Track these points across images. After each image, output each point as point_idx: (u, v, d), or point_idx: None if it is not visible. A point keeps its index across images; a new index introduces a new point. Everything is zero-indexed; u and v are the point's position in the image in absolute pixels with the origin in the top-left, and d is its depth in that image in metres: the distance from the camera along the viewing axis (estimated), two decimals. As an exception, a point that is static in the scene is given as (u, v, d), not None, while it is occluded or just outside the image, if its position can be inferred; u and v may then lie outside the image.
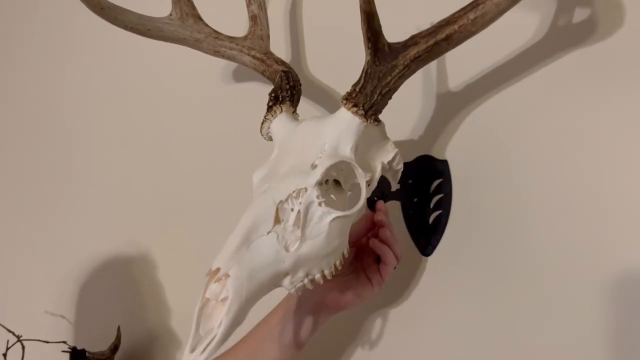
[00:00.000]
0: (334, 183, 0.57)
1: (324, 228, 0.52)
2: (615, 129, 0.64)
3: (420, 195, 0.74)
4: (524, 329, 0.67)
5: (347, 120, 0.55)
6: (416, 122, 0.76)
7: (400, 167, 0.62)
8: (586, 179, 0.65)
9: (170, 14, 0.73)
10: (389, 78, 0.55)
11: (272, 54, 0.72)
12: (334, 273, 0.54)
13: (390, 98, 0.56)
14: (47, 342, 0.86)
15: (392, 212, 0.76)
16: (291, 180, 0.53)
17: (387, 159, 0.59)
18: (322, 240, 0.52)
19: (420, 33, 0.55)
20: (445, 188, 0.73)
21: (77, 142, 1.11)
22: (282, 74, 0.63)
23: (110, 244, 1.02)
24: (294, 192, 0.52)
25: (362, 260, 0.66)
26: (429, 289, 0.74)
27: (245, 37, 0.75)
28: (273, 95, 0.62)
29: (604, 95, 0.64)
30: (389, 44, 0.55)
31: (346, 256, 0.55)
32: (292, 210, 0.52)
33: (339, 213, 0.52)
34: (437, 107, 0.75)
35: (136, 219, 1.01)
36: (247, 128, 0.76)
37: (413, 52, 0.55)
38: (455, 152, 0.74)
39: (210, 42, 0.74)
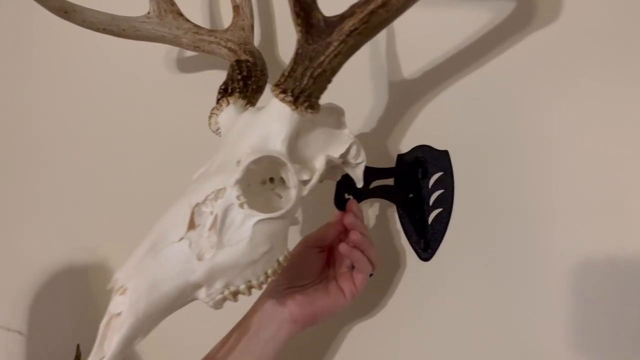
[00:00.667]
0: (281, 181, 0.51)
1: (246, 233, 0.46)
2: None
3: (416, 192, 0.65)
4: (538, 341, 0.57)
5: (277, 110, 0.49)
6: (412, 108, 0.67)
7: (361, 160, 0.54)
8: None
9: (148, 12, 0.71)
10: (322, 57, 0.47)
11: (248, 44, 0.67)
12: (265, 283, 0.48)
13: (328, 81, 0.49)
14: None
15: (385, 211, 0.67)
16: (213, 180, 0.48)
17: (337, 151, 0.52)
18: (243, 247, 0.46)
19: (358, 2, 0.47)
20: (447, 183, 0.63)
21: (20, 144, 1.00)
22: (234, 63, 0.58)
23: (63, 253, 0.92)
24: (212, 193, 0.47)
25: (334, 267, 0.58)
26: (428, 299, 0.64)
27: (226, 29, 0.71)
28: (222, 87, 0.57)
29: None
30: (325, 19, 0.48)
31: (284, 264, 0.49)
32: (212, 213, 0.47)
33: (263, 216, 0.46)
34: (435, 90, 0.65)
35: (91, 223, 0.90)
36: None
37: (349, 24, 0.47)
38: (457, 141, 0.63)
39: (190, 37, 0.70)
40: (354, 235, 0.55)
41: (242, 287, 0.47)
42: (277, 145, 0.48)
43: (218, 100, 0.56)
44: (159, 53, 0.86)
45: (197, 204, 0.47)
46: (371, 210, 0.68)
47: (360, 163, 0.54)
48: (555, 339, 0.56)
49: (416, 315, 0.65)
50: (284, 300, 0.55)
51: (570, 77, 0.57)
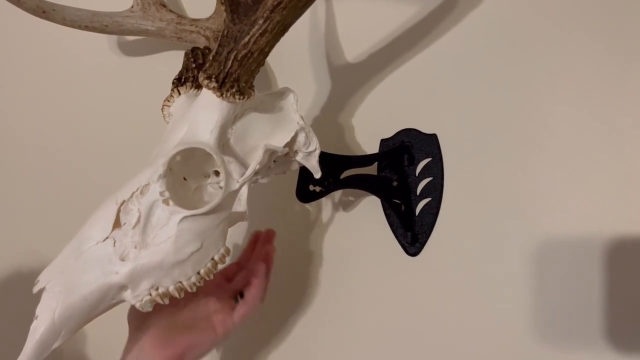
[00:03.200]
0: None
1: (172, 231, 0.43)
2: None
3: (402, 180, 0.58)
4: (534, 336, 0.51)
5: (206, 98, 0.45)
6: (396, 88, 0.60)
7: (313, 148, 0.49)
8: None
9: (132, 6, 0.70)
10: (247, 38, 0.43)
11: (224, 31, 0.64)
12: (199, 284, 0.45)
13: (258, 63, 0.44)
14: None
15: (368, 202, 0.62)
16: (140, 175, 0.45)
17: (282, 140, 0.47)
18: (168, 246, 0.43)
19: (283, -27, 0.42)
20: (435, 169, 0.57)
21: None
22: (189, 51, 0.55)
23: (6, 256, 0.82)
24: (137, 189, 0.44)
25: (213, 292, 0.52)
26: (416, 298, 0.59)
27: (209, 17, 0.68)
28: (176, 77, 0.55)
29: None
30: (252, -5, 0.44)
31: (220, 262, 0.46)
32: (138, 211, 0.44)
33: (188, 212, 0.43)
34: (422, 69, 0.59)
35: (38, 225, 0.81)
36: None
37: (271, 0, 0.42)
38: (446, 124, 0.57)
39: (172, 28, 0.69)
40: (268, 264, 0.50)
41: (172, 288, 0.44)
42: (205, 136, 0.44)
43: (171, 91, 0.54)
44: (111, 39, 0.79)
45: (124, 201, 0.44)
46: (352, 200, 0.62)
47: (313, 151, 0.49)
48: (555, 336, 0.50)
49: (404, 315, 0.59)
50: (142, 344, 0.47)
51: (562, 60, 0.51)
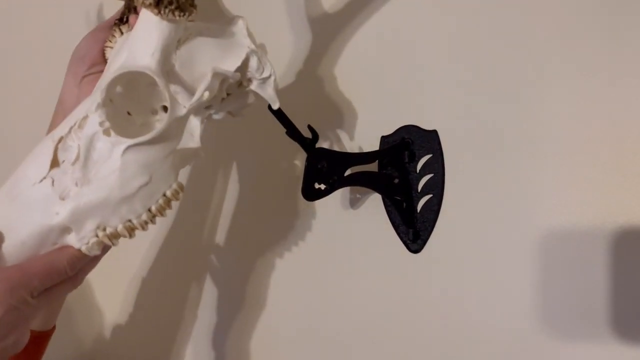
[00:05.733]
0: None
1: (115, 164, 0.39)
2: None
3: (403, 177, 0.56)
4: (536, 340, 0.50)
5: (144, 19, 0.42)
6: (396, 84, 0.58)
7: (267, 74, 0.45)
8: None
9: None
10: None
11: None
12: (150, 222, 0.41)
13: (197, -25, 0.41)
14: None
15: (370, 199, 0.59)
16: (80, 109, 0.41)
17: (232, 65, 0.44)
18: (113, 180, 0.39)
19: None
20: (436, 166, 0.55)
21: None
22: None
23: None
24: (75, 123, 0.40)
25: None
26: (418, 295, 0.56)
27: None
28: (117, 18, 0.51)
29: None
30: None
31: (173, 199, 0.42)
32: (78, 147, 0.40)
33: (132, 141, 0.39)
34: (422, 64, 0.57)
35: None
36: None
37: None
38: (447, 120, 0.55)
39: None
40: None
41: (120, 227, 0.40)
42: (145, 59, 0.40)
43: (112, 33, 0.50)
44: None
45: (61, 138, 0.41)
46: (354, 197, 0.60)
47: (268, 78, 0.46)
48: (559, 330, 0.48)
49: (407, 311, 0.56)
50: None
51: (563, 56, 0.49)
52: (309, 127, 0.49)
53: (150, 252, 0.74)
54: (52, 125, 0.51)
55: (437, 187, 0.54)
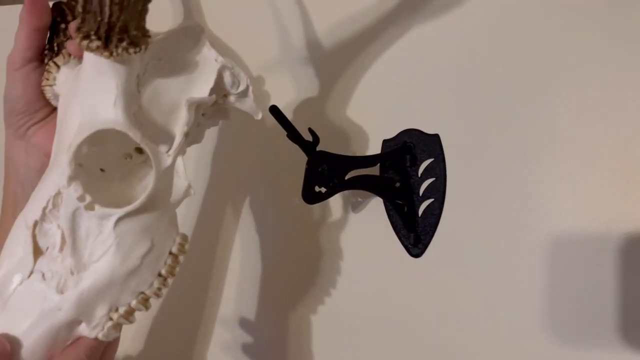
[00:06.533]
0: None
1: (110, 239, 0.35)
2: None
3: (404, 181, 0.55)
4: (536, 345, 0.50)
5: (93, 63, 0.35)
6: (397, 88, 0.56)
7: (244, 87, 0.40)
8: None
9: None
10: (119, -31, 0.32)
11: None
12: (165, 287, 0.37)
13: (145, 1, 0.34)
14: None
15: (371, 203, 0.57)
16: (46, 184, 0.36)
17: (204, 88, 0.38)
18: (113, 257, 0.35)
19: None
20: (438, 170, 0.54)
21: None
22: (51, 8, 0.43)
23: None
24: (47, 202, 0.35)
25: None
26: (419, 299, 0.55)
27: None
28: (46, 46, 0.43)
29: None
30: None
31: (181, 254, 0.38)
32: (58, 228, 0.35)
33: (122, 211, 0.34)
34: (424, 68, 0.55)
35: None
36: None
37: None
38: (449, 124, 0.54)
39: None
40: None
41: (134, 302, 0.36)
42: (108, 111, 0.34)
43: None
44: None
45: (36, 222, 0.35)
46: (355, 201, 0.58)
47: (246, 90, 0.40)
48: (563, 335, 0.48)
49: (408, 316, 0.55)
50: None
51: (566, 58, 0.48)
52: (310, 130, 0.47)
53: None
54: (7, 188, 0.44)
55: (438, 192, 0.54)
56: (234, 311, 0.66)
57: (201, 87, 0.38)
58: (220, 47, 0.63)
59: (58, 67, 0.41)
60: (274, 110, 0.43)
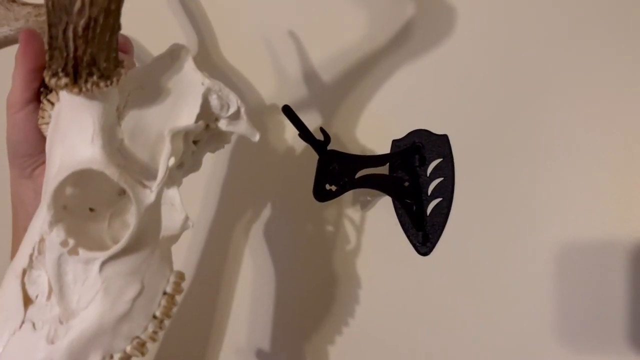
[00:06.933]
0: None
1: (97, 284, 0.33)
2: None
3: (413, 180, 0.55)
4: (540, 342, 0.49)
5: (66, 102, 0.34)
6: (407, 89, 0.57)
7: (234, 109, 0.38)
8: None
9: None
10: (80, 3, 0.30)
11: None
12: (159, 329, 0.35)
13: (111, 30, 0.32)
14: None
15: (380, 202, 0.58)
16: (32, 231, 0.34)
17: (191, 116, 0.36)
18: (101, 302, 0.33)
19: None
20: (446, 170, 0.55)
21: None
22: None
23: None
24: (33, 249, 0.33)
25: None
26: (427, 296, 0.55)
27: None
28: (42, 85, 0.42)
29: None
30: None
31: (177, 292, 0.35)
32: (47, 275, 0.34)
33: (105, 255, 0.32)
34: (433, 69, 0.55)
35: None
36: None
37: None
38: (458, 124, 0.54)
39: (34, 23, 0.55)
40: None
41: (129, 348, 0.34)
42: (85, 150, 0.33)
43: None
44: None
45: (24, 270, 0.34)
46: (364, 200, 0.60)
47: (237, 112, 0.38)
48: (568, 336, 0.47)
49: (415, 313, 0.56)
50: None
51: (576, 61, 0.48)
52: (321, 129, 0.49)
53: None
54: (16, 224, 0.44)
55: (446, 191, 0.55)
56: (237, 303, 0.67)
57: (187, 114, 0.36)
58: (221, 65, 0.63)
59: (52, 104, 0.40)
60: (287, 110, 0.45)
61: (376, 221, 0.59)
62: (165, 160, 0.34)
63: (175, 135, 0.35)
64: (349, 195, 0.58)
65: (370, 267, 0.59)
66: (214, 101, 0.36)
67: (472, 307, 0.52)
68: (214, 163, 0.68)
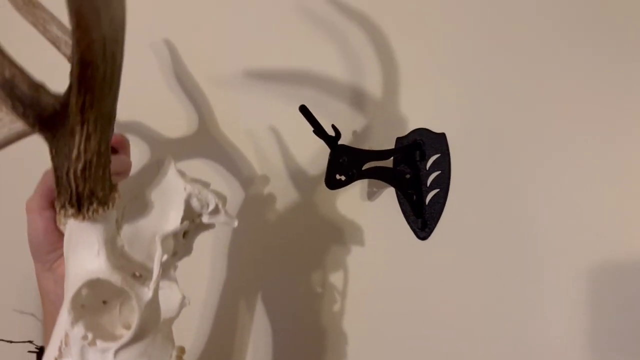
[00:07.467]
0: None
1: (113, 368, 0.41)
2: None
3: (414, 173, 0.64)
4: (526, 321, 0.57)
5: (74, 225, 0.41)
6: (410, 92, 0.66)
7: (212, 206, 0.45)
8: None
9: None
10: (75, 150, 0.38)
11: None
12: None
13: (104, 165, 0.39)
14: (12, 341, 0.74)
15: (385, 192, 0.68)
16: (59, 326, 0.43)
17: (175, 220, 0.43)
18: (118, 384, 0.41)
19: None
20: (443, 164, 0.63)
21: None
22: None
23: None
24: (61, 342, 0.42)
25: None
26: (425, 277, 0.64)
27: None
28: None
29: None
30: (56, 98, 0.38)
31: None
32: (74, 363, 0.42)
33: (116, 345, 0.40)
34: (434, 76, 0.65)
35: None
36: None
37: (73, 100, 0.37)
38: (454, 124, 0.63)
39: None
40: None
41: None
42: (92, 263, 0.41)
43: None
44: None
45: (55, 359, 0.42)
46: (371, 191, 0.69)
47: (216, 208, 0.45)
48: (551, 318, 0.55)
49: (414, 291, 0.64)
50: None
51: (572, 61, 0.55)
52: (333, 126, 0.56)
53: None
54: (45, 307, 0.52)
55: (443, 183, 0.63)
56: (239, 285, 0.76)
57: (174, 217, 0.43)
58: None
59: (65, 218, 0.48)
60: (303, 110, 0.53)
61: (381, 209, 0.68)
62: (158, 262, 0.41)
63: (165, 238, 0.42)
64: (357, 187, 0.68)
65: (375, 250, 0.67)
66: (194, 203, 0.44)
67: (464, 285, 0.59)
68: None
